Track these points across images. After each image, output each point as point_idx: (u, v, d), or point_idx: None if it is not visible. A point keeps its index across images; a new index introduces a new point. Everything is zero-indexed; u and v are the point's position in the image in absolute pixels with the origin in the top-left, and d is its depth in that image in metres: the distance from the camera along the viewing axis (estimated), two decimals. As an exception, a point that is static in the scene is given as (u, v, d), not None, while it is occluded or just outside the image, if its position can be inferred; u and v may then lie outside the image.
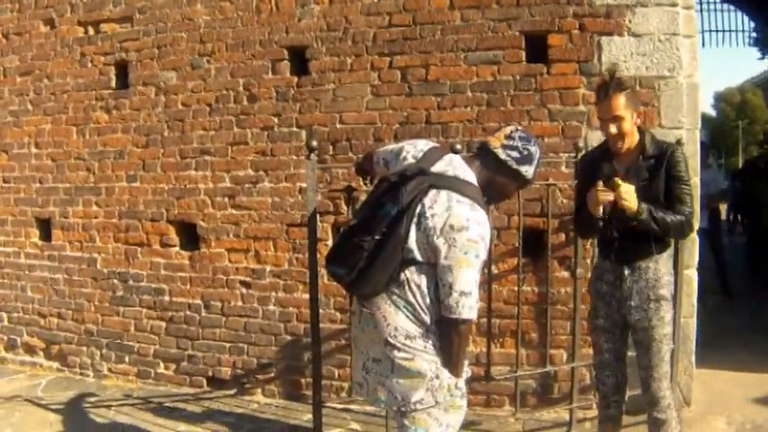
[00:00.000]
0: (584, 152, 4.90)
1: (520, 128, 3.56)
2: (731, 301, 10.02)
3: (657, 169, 4.15)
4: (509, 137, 3.43)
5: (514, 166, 3.40)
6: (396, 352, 3.30)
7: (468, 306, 3.18)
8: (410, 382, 3.32)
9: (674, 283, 4.40)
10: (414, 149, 3.53)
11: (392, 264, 3.23)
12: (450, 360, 3.31)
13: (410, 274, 3.27)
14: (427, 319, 3.29)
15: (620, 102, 4.08)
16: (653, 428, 4.38)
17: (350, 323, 5.44)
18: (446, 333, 3.28)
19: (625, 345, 4.44)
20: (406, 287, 3.28)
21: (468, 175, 3.37)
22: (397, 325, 3.29)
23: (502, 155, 3.40)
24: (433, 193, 3.26)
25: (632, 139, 4.19)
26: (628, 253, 4.26)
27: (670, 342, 4.30)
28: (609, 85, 4.11)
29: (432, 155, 3.45)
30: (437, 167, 3.37)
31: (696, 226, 4.57)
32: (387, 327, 3.31)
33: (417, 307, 3.28)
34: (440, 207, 3.22)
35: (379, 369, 3.39)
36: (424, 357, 3.29)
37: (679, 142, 4.42)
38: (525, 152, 3.41)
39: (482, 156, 3.47)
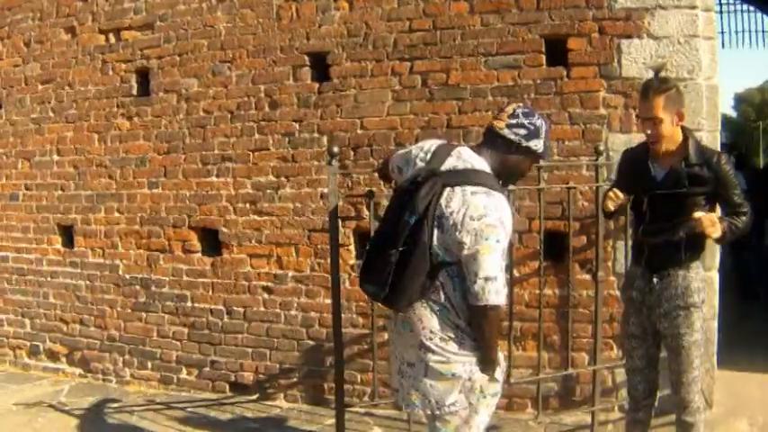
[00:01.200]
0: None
1: (521, 104, 3.59)
2: (753, 303, 9.95)
3: (700, 180, 4.09)
4: (512, 115, 3.45)
5: (524, 143, 3.43)
6: (430, 355, 3.34)
7: (494, 291, 3.18)
8: (444, 385, 3.35)
9: (705, 289, 4.37)
10: (422, 152, 3.56)
11: (422, 272, 3.25)
12: (484, 351, 3.33)
13: (443, 277, 3.30)
14: (462, 322, 3.32)
15: (659, 103, 4.02)
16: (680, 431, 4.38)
17: (371, 327, 5.47)
18: (476, 322, 3.30)
19: (657, 350, 4.41)
20: (441, 291, 3.32)
21: (479, 163, 3.39)
22: (432, 327, 3.33)
23: (509, 135, 3.42)
24: (447, 191, 3.28)
25: (673, 141, 4.14)
26: (657, 260, 4.23)
27: (700, 348, 4.25)
28: (651, 85, 4.09)
29: (440, 153, 3.47)
30: (447, 165, 3.39)
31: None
32: (422, 330, 3.35)
33: (452, 310, 3.32)
34: (456, 203, 3.24)
35: (412, 373, 3.43)
36: (458, 360, 3.32)
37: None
38: (532, 127, 3.44)
39: (490, 140, 3.49)
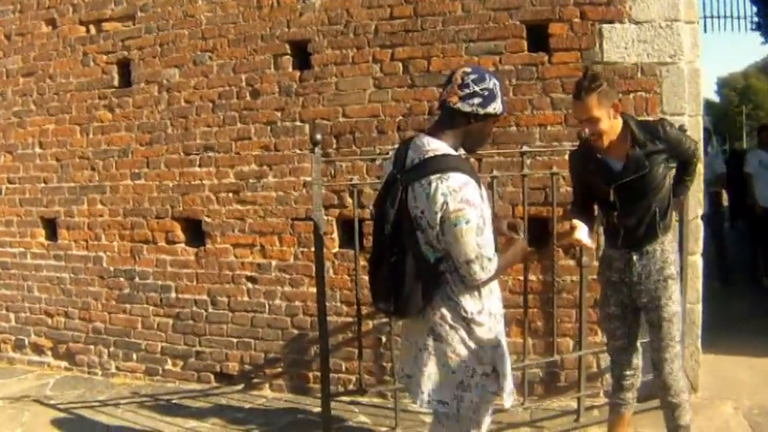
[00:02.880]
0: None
1: (468, 69, 3.45)
2: (735, 287, 9.96)
3: (655, 153, 4.14)
4: (463, 86, 3.36)
5: (482, 111, 3.37)
6: (437, 343, 3.37)
7: (478, 270, 3.23)
8: (442, 379, 3.40)
9: (680, 261, 4.41)
10: (389, 162, 3.57)
11: (419, 277, 3.27)
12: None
13: (444, 269, 3.33)
14: (469, 313, 3.36)
15: (593, 102, 4.03)
16: (667, 412, 4.41)
17: (357, 316, 5.45)
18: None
19: (638, 329, 4.46)
20: (447, 284, 3.34)
21: (435, 147, 3.34)
22: (443, 314, 3.35)
23: (465, 108, 3.35)
24: (409, 191, 3.28)
25: (613, 132, 4.17)
26: (635, 240, 4.27)
27: (680, 321, 4.32)
28: (581, 86, 4.08)
29: (400, 152, 3.47)
30: (408, 162, 3.37)
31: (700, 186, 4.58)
32: (434, 315, 3.36)
33: (458, 299, 3.34)
34: (421, 201, 3.25)
35: (418, 358, 3.45)
36: (463, 351, 3.36)
37: (682, 128, 4.43)
38: (486, 93, 3.36)
39: (447, 117, 3.43)
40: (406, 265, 3.24)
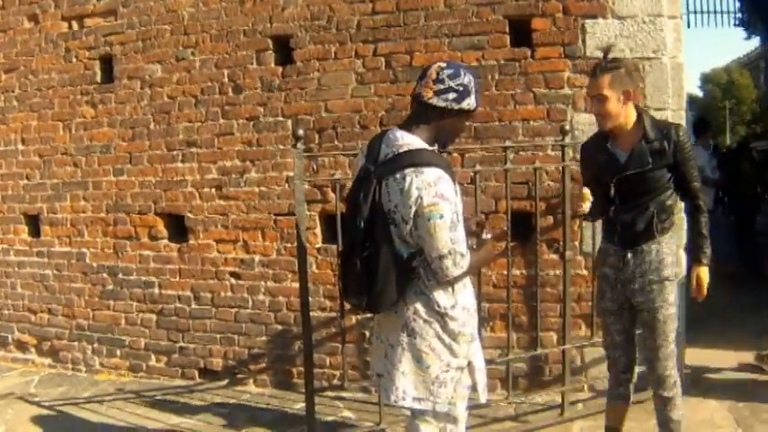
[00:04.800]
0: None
1: (443, 64, 3.43)
2: (719, 281, 9.96)
3: (661, 154, 4.13)
4: (437, 80, 3.35)
5: (456, 106, 3.36)
6: (411, 338, 3.35)
7: (450, 265, 3.23)
8: (417, 376, 3.38)
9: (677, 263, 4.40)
10: (361, 154, 3.55)
11: (392, 273, 3.26)
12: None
13: (417, 264, 3.32)
14: (443, 308, 3.35)
15: (605, 82, 4.06)
16: (659, 406, 4.40)
17: (340, 310, 5.44)
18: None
19: (634, 325, 4.44)
20: (419, 279, 3.33)
21: (409, 141, 3.32)
22: (416, 309, 3.34)
23: (440, 103, 3.34)
24: (383, 185, 3.26)
25: (623, 120, 4.16)
26: (630, 237, 4.25)
27: (675, 322, 4.30)
28: (599, 64, 4.13)
29: (373, 146, 3.45)
30: (381, 156, 3.35)
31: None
32: (407, 311, 3.35)
33: (431, 294, 3.33)
34: (395, 195, 3.23)
35: (391, 357, 3.43)
36: (437, 346, 3.35)
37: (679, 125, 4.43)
38: (460, 88, 3.35)
39: (420, 111, 3.41)
40: (380, 260, 3.22)
